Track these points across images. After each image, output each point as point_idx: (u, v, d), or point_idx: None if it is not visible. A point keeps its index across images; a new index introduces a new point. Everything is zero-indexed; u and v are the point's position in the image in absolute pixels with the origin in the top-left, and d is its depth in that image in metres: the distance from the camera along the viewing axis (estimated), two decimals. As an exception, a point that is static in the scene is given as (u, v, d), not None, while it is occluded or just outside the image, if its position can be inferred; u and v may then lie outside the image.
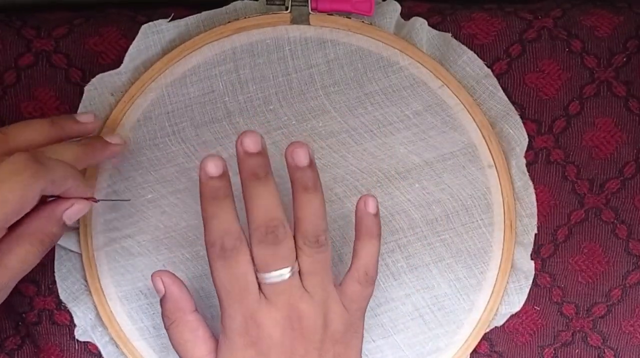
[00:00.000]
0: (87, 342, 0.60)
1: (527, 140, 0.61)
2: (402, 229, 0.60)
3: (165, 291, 0.53)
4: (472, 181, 0.60)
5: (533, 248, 0.61)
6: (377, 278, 0.60)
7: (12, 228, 0.50)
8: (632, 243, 0.62)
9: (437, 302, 0.60)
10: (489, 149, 0.60)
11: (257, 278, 0.50)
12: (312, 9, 0.59)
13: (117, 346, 0.60)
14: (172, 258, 0.59)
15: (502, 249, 0.60)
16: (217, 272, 0.50)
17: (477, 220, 0.60)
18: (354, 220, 0.60)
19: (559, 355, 0.63)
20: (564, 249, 0.62)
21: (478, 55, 0.61)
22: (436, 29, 0.61)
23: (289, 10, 0.59)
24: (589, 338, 0.63)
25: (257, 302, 0.50)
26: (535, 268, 0.61)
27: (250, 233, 0.50)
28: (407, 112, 0.60)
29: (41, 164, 0.50)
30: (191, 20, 0.60)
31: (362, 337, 0.54)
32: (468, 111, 0.60)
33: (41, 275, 0.60)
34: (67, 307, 0.60)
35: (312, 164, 0.51)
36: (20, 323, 0.60)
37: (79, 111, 0.59)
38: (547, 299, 0.62)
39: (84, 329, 0.60)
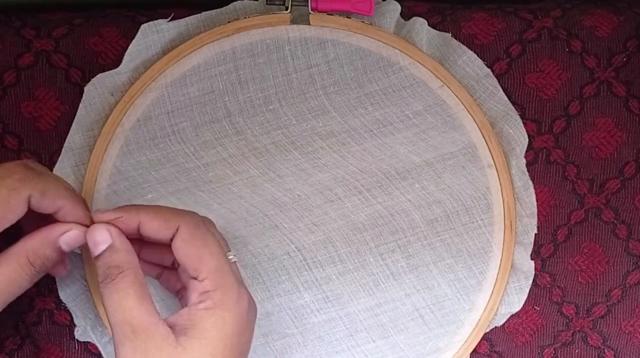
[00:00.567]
0: (87, 342, 0.60)
1: (527, 140, 0.61)
2: (402, 229, 0.60)
3: (114, 241, 0.50)
4: (472, 181, 0.60)
5: (533, 248, 0.61)
6: (377, 278, 0.60)
7: (5, 247, 0.50)
8: (632, 243, 0.62)
9: (437, 302, 0.60)
10: (489, 149, 0.60)
11: None
12: (312, 9, 0.59)
13: (117, 346, 0.60)
14: (172, 258, 0.59)
15: (502, 249, 0.60)
16: None
17: (477, 220, 0.60)
18: (354, 220, 0.60)
19: (559, 355, 0.63)
20: (564, 249, 0.62)
21: (478, 55, 0.61)
22: (436, 29, 0.61)
23: (289, 10, 0.59)
24: (589, 338, 0.63)
25: None
26: (535, 268, 0.61)
27: None
28: (407, 112, 0.60)
29: (33, 171, 0.50)
30: (191, 20, 0.60)
31: None
32: (468, 111, 0.60)
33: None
34: (67, 307, 0.60)
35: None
36: (20, 323, 0.60)
37: (78, 111, 0.59)
38: (547, 299, 0.62)
39: (84, 329, 0.60)
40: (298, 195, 0.60)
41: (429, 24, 0.60)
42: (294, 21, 0.59)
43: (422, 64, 0.60)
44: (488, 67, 0.61)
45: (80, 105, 0.59)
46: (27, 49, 0.60)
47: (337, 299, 0.60)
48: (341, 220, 0.60)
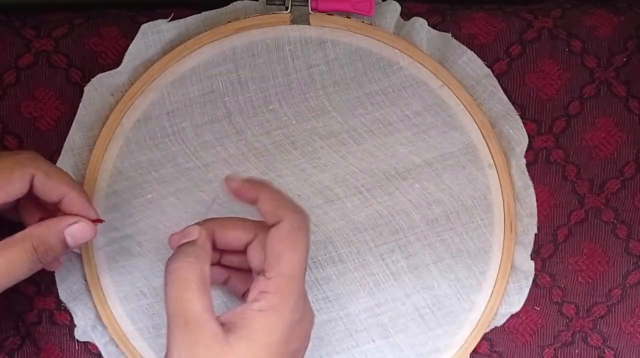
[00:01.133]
0: (87, 342, 0.60)
1: (527, 140, 0.61)
2: (402, 229, 0.60)
3: (198, 238, 0.51)
4: (472, 181, 0.60)
5: (533, 248, 0.61)
6: (377, 278, 0.60)
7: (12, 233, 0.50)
8: (632, 243, 0.62)
9: (437, 302, 0.60)
10: (489, 148, 0.60)
11: None
12: (312, 9, 0.59)
13: (117, 346, 0.60)
14: (172, 259, 0.59)
15: (502, 249, 0.60)
16: None
17: (477, 220, 0.60)
18: (354, 220, 0.60)
19: (559, 355, 0.63)
20: (564, 249, 0.62)
21: (478, 55, 0.61)
22: (436, 29, 0.61)
23: (289, 10, 0.59)
24: (589, 339, 0.63)
25: None
26: (535, 268, 0.61)
27: None
28: (407, 112, 0.60)
29: (40, 156, 0.50)
30: (191, 20, 0.60)
31: None
32: (468, 111, 0.60)
33: (41, 275, 0.60)
34: (67, 307, 0.60)
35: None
36: (20, 323, 0.60)
37: (78, 111, 0.59)
38: (547, 299, 0.62)
39: (84, 329, 0.59)
40: (298, 195, 0.60)
41: (429, 24, 0.60)
42: (294, 21, 0.59)
43: (422, 64, 0.60)
44: (488, 67, 0.61)
45: (80, 105, 0.59)
46: (27, 49, 0.60)
47: (337, 299, 0.60)
48: (341, 220, 0.60)
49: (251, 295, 0.50)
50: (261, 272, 0.50)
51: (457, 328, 0.60)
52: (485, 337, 0.62)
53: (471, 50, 0.61)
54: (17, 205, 0.53)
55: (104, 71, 0.59)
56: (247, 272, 0.55)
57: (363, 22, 0.59)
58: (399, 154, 0.60)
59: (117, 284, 0.59)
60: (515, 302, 0.61)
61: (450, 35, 0.61)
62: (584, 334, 0.63)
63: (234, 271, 0.57)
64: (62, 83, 0.60)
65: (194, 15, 0.60)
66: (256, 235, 0.52)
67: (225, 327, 0.49)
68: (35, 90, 0.60)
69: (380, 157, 0.60)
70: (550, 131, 0.62)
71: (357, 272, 0.60)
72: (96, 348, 0.60)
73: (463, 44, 0.61)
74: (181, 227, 0.59)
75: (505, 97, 0.61)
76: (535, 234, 0.61)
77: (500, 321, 0.61)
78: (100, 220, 0.53)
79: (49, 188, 0.50)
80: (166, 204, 0.59)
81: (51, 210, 0.53)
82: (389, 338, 0.60)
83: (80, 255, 0.59)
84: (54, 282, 0.60)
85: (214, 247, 0.53)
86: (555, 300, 0.62)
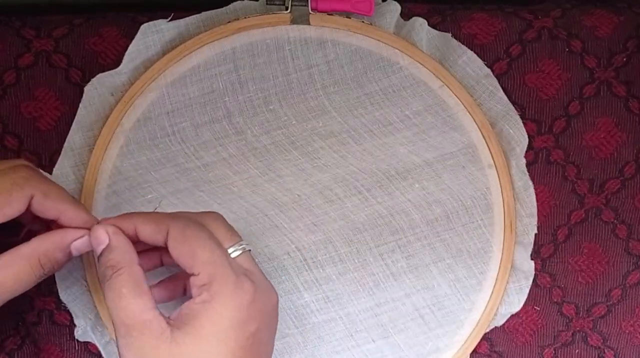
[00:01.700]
0: (87, 342, 0.60)
1: (527, 140, 0.61)
2: (402, 229, 0.60)
3: (110, 241, 0.50)
4: (472, 181, 0.60)
5: (533, 248, 0.61)
6: (377, 278, 0.60)
7: (17, 246, 0.50)
8: (632, 243, 0.62)
9: (437, 302, 0.60)
10: (489, 148, 0.60)
11: None
12: (312, 9, 0.59)
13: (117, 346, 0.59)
14: (172, 259, 0.59)
15: (502, 249, 0.60)
16: None
17: (477, 220, 0.60)
18: (354, 220, 0.60)
19: (559, 355, 0.63)
20: (564, 249, 0.62)
21: (478, 55, 0.61)
22: (436, 29, 0.61)
23: (289, 10, 0.59)
24: (589, 339, 0.63)
25: None
26: (535, 268, 0.61)
27: None
28: (407, 112, 0.60)
29: (37, 172, 0.50)
30: (191, 20, 0.60)
31: None
32: (468, 111, 0.60)
33: (41, 275, 0.60)
34: (67, 307, 0.60)
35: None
36: (20, 323, 0.60)
37: (78, 111, 0.59)
38: (547, 299, 0.62)
39: (84, 329, 0.59)
40: (298, 195, 0.60)
41: (429, 24, 0.60)
42: (294, 21, 0.59)
43: (422, 64, 0.60)
44: (488, 67, 0.61)
45: (80, 105, 0.59)
46: (27, 49, 0.60)
47: (337, 299, 0.60)
48: (341, 220, 0.60)
49: (192, 293, 0.49)
50: (189, 276, 0.50)
51: (457, 328, 0.60)
52: (485, 337, 0.62)
53: (471, 50, 0.61)
54: None
55: (104, 71, 0.59)
56: None
57: (363, 22, 0.59)
58: (399, 154, 0.60)
59: (117, 284, 0.59)
60: (515, 302, 0.61)
61: (450, 35, 0.61)
62: (584, 334, 0.63)
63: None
64: (62, 83, 0.60)
65: (194, 15, 0.60)
66: (168, 229, 0.50)
67: (174, 326, 0.48)
68: (35, 90, 0.60)
69: (380, 157, 0.60)
70: (550, 131, 0.62)
71: (357, 272, 0.60)
72: (96, 348, 0.60)
73: (463, 44, 0.61)
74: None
75: (505, 97, 0.61)
76: (535, 234, 0.61)
77: (500, 321, 0.61)
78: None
79: (47, 207, 0.50)
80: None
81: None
82: (389, 338, 0.60)
83: (80, 255, 0.59)
84: (54, 282, 0.60)
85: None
86: (555, 300, 0.62)
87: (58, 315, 0.60)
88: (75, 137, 0.59)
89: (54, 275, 0.59)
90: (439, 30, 0.61)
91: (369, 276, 0.60)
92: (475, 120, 0.60)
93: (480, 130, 0.60)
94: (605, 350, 0.63)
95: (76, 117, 0.59)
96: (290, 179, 0.60)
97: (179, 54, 0.59)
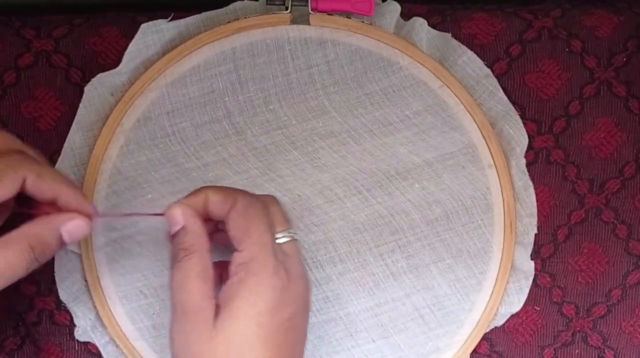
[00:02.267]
0: (87, 342, 0.60)
1: (527, 140, 0.61)
2: (402, 229, 0.60)
3: (186, 223, 0.50)
4: (472, 181, 0.60)
5: (533, 248, 0.61)
6: (377, 278, 0.60)
7: (6, 232, 0.50)
8: (632, 243, 0.62)
9: (437, 302, 0.60)
10: (489, 148, 0.60)
11: None
12: (312, 9, 0.59)
13: (117, 346, 0.60)
14: (172, 259, 0.59)
15: (502, 249, 0.60)
16: None
17: (477, 220, 0.60)
18: (354, 220, 0.60)
19: (559, 355, 0.63)
20: (564, 249, 0.62)
21: (478, 55, 0.61)
22: (436, 29, 0.61)
23: (289, 10, 0.59)
24: (589, 338, 0.63)
25: None
26: (535, 268, 0.61)
27: None
28: (407, 112, 0.60)
29: (31, 157, 0.51)
30: (191, 20, 0.60)
31: None
32: (468, 111, 0.60)
33: (41, 275, 0.60)
34: (67, 307, 0.60)
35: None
36: (20, 323, 0.60)
37: (78, 111, 0.59)
38: (547, 299, 0.62)
39: (84, 329, 0.59)
40: (298, 195, 0.60)
41: (429, 24, 0.60)
42: (294, 21, 0.59)
43: (422, 64, 0.60)
44: (488, 67, 0.61)
45: (80, 105, 0.59)
46: (27, 49, 0.60)
47: (337, 299, 0.60)
48: (341, 220, 0.60)
49: (231, 272, 0.49)
50: (234, 251, 0.50)
51: (457, 328, 0.60)
52: (485, 337, 0.62)
53: (471, 50, 0.61)
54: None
55: (104, 71, 0.59)
56: None
57: (363, 22, 0.59)
58: (399, 154, 0.60)
59: (117, 284, 0.59)
60: (515, 302, 0.61)
61: (450, 35, 0.61)
62: (584, 334, 0.63)
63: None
64: (62, 83, 0.60)
65: (194, 15, 0.60)
66: (235, 201, 0.50)
67: (217, 310, 0.49)
68: (35, 90, 0.60)
69: (380, 157, 0.60)
70: (550, 131, 0.62)
71: (357, 272, 0.60)
72: (96, 348, 0.60)
73: (463, 44, 0.61)
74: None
75: (505, 97, 0.61)
76: (535, 234, 0.61)
77: (500, 321, 0.61)
78: (95, 215, 0.52)
79: (42, 189, 0.50)
80: (166, 204, 0.59)
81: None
82: (389, 338, 0.60)
83: (80, 255, 0.59)
84: (54, 282, 0.60)
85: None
86: (555, 300, 0.62)
87: (58, 315, 0.60)
88: (75, 137, 0.59)
89: (54, 275, 0.59)
90: (439, 30, 0.61)
91: (369, 276, 0.60)
92: (475, 120, 0.60)
93: (480, 130, 0.60)
94: (605, 350, 0.63)
95: (76, 117, 0.59)
96: (290, 179, 0.60)
97: (179, 54, 0.59)
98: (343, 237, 0.60)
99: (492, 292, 0.60)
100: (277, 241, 0.51)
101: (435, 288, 0.60)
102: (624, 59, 0.62)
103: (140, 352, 0.60)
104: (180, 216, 0.50)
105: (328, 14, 0.59)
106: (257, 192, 0.59)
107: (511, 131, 0.60)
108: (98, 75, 0.59)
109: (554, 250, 0.62)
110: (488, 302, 0.60)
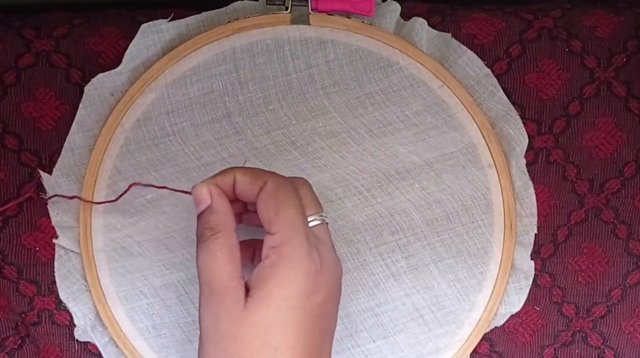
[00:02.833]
0: (87, 342, 0.60)
1: (527, 140, 0.61)
2: (402, 229, 0.60)
3: (213, 202, 0.50)
4: (472, 181, 0.60)
5: (533, 248, 0.61)
6: (377, 278, 0.60)
7: None
8: (632, 243, 0.62)
9: (437, 302, 0.60)
10: (489, 149, 0.60)
11: None
12: (312, 9, 0.59)
13: (117, 346, 0.60)
14: (172, 258, 0.59)
15: (502, 249, 0.60)
16: None
17: (477, 220, 0.60)
18: (354, 220, 0.60)
19: (559, 355, 0.63)
20: (564, 249, 0.62)
21: (478, 55, 0.61)
22: (436, 29, 0.61)
23: (289, 11, 0.59)
24: (589, 339, 0.63)
25: None
26: (535, 268, 0.61)
27: None
28: (407, 112, 0.60)
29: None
30: (191, 20, 0.60)
31: None
32: (468, 111, 0.60)
33: (41, 275, 0.60)
34: (67, 307, 0.60)
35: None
36: (20, 323, 0.60)
37: (78, 111, 0.59)
38: (547, 299, 0.62)
39: (84, 329, 0.60)
40: (298, 195, 0.60)
41: (429, 24, 0.60)
42: (294, 21, 0.59)
43: (422, 64, 0.60)
44: (488, 67, 0.61)
45: (80, 105, 0.59)
46: (27, 49, 0.60)
47: (337, 299, 0.60)
48: (341, 220, 0.60)
49: (262, 255, 0.49)
50: (266, 234, 0.49)
51: (457, 328, 0.61)
52: (485, 337, 0.62)
53: (471, 50, 0.61)
54: None
55: (104, 71, 0.59)
56: None
57: (363, 22, 0.59)
58: (399, 154, 0.60)
59: (117, 284, 0.59)
60: (515, 302, 0.61)
61: (450, 35, 0.61)
62: (584, 334, 0.63)
63: (258, 243, 0.55)
64: (62, 83, 0.60)
65: (194, 15, 0.60)
66: (265, 183, 0.50)
67: (248, 291, 0.48)
68: (35, 90, 0.60)
69: (380, 157, 0.60)
70: (550, 131, 0.62)
71: (357, 272, 0.60)
72: (96, 348, 0.60)
73: (463, 44, 0.61)
74: (181, 227, 0.59)
75: (505, 97, 0.61)
76: (535, 234, 0.61)
77: (500, 321, 0.61)
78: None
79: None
80: (166, 204, 0.59)
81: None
82: (388, 338, 0.60)
83: (80, 255, 0.59)
84: (54, 282, 0.60)
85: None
86: (555, 300, 0.62)
87: (58, 315, 0.60)
88: (75, 137, 0.59)
89: (54, 275, 0.59)
90: (439, 30, 0.61)
91: (369, 276, 0.60)
92: (475, 120, 0.60)
93: (480, 130, 0.60)
94: (605, 350, 0.63)
95: (76, 117, 0.59)
96: (290, 179, 0.60)
97: (179, 54, 0.59)
98: (343, 237, 0.60)
99: (492, 292, 0.60)
100: (309, 224, 0.50)
101: (435, 288, 0.60)
102: (624, 59, 0.62)
103: (140, 352, 0.60)
104: (207, 195, 0.50)
105: (328, 14, 0.59)
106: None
107: (511, 131, 0.60)
108: (98, 75, 0.59)
109: (554, 250, 0.62)
110: (488, 302, 0.60)
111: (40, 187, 0.59)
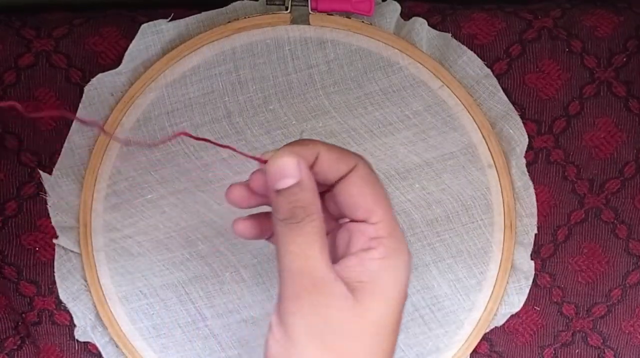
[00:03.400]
0: (87, 342, 0.60)
1: (527, 140, 0.61)
2: (402, 229, 0.60)
3: (303, 177, 0.42)
4: (472, 181, 0.60)
5: (533, 248, 0.61)
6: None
7: None
8: (632, 243, 0.62)
9: (437, 302, 0.60)
10: (489, 149, 0.60)
11: None
12: (312, 9, 0.59)
13: (117, 346, 0.60)
14: (172, 258, 0.59)
15: (502, 249, 0.60)
16: None
17: (477, 221, 0.60)
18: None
19: (559, 355, 0.63)
20: (564, 249, 0.62)
21: (478, 55, 0.61)
22: (436, 29, 0.61)
23: (289, 11, 0.59)
24: (589, 339, 0.63)
25: None
26: (535, 268, 0.61)
27: None
28: (407, 112, 0.60)
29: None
30: (191, 20, 0.60)
31: None
32: (468, 111, 0.60)
33: (41, 275, 0.60)
34: (67, 307, 0.60)
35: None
36: (20, 323, 0.61)
37: (78, 111, 0.59)
38: (547, 299, 0.62)
39: (84, 329, 0.60)
40: (298, 195, 0.60)
41: (429, 24, 0.60)
42: (294, 21, 0.59)
43: (422, 64, 0.60)
44: (488, 67, 0.61)
45: (80, 105, 0.59)
46: (27, 49, 0.60)
47: (337, 299, 0.60)
48: (341, 220, 0.60)
49: (359, 244, 0.43)
50: (357, 221, 0.44)
51: (457, 328, 0.61)
52: (485, 337, 0.62)
53: (471, 50, 0.61)
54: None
55: (104, 71, 0.59)
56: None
57: (363, 22, 0.59)
58: (399, 154, 0.60)
59: (117, 284, 0.59)
60: (515, 302, 0.61)
61: (450, 35, 0.61)
62: (584, 334, 0.63)
63: None
64: (62, 83, 0.60)
65: (194, 15, 0.60)
66: (356, 165, 0.44)
67: (348, 286, 0.42)
68: (35, 90, 0.60)
69: (380, 157, 0.60)
70: (550, 131, 0.62)
71: (357, 272, 0.60)
72: (96, 348, 0.60)
73: (463, 44, 0.61)
74: (181, 227, 0.59)
75: (505, 97, 0.61)
76: (535, 234, 0.61)
77: (500, 321, 0.61)
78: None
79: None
80: (166, 204, 0.59)
81: None
82: (389, 338, 0.60)
83: (80, 255, 0.59)
84: (54, 282, 0.60)
85: None
86: (555, 300, 0.62)
87: (58, 315, 0.61)
88: (75, 137, 0.59)
89: (54, 275, 0.59)
90: (439, 30, 0.61)
91: (369, 276, 0.60)
92: (475, 120, 0.60)
93: (480, 130, 0.60)
94: (605, 350, 0.63)
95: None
96: (290, 179, 0.60)
97: (179, 54, 0.59)
98: (343, 237, 0.60)
99: (492, 292, 0.60)
100: None
101: (435, 288, 0.60)
102: (624, 59, 0.62)
103: (140, 352, 0.60)
104: (296, 168, 0.42)
105: (328, 14, 0.59)
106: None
107: (511, 131, 0.60)
108: (98, 75, 0.59)
109: (554, 250, 0.62)
110: (488, 302, 0.60)
111: (40, 187, 0.59)
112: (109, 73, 0.59)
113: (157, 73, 0.59)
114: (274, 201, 0.43)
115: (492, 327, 0.61)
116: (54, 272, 0.60)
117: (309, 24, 0.59)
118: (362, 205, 0.43)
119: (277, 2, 0.59)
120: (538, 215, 0.61)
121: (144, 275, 0.59)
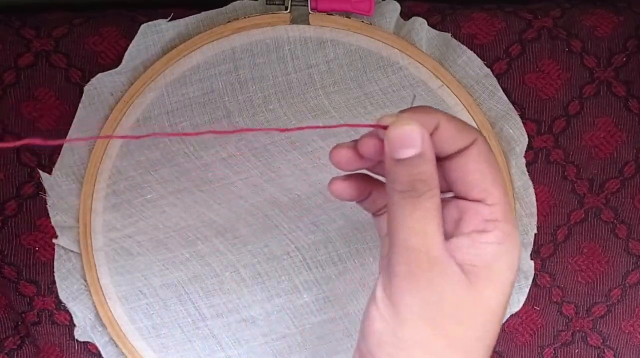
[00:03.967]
0: (87, 342, 0.60)
1: (527, 140, 0.61)
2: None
3: (425, 149, 0.40)
4: (472, 181, 0.60)
5: (533, 248, 0.61)
6: (377, 278, 0.60)
7: None
8: (632, 243, 0.62)
9: (437, 302, 0.60)
10: (489, 149, 0.60)
11: None
12: (312, 9, 0.59)
13: (117, 346, 0.60)
14: (172, 259, 0.59)
15: (502, 249, 0.60)
16: None
17: (477, 220, 0.60)
18: (354, 220, 0.60)
19: (559, 355, 0.63)
20: (564, 249, 0.62)
21: (478, 55, 0.61)
22: (436, 29, 0.61)
23: (289, 11, 0.59)
24: (589, 339, 0.63)
25: None
26: (535, 268, 0.61)
27: None
28: (407, 112, 0.60)
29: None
30: (191, 20, 0.60)
31: None
32: (468, 111, 0.60)
33: (41, 275, 0.60)
34: (67, 307, 0.60)
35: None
36: (20, 323, 0.61)
37: (78, 111, 0.59)
38: (547, 299, 0.62)
39: (84, 329, 0.60)
40: (298, 195, 0.60)
41: (429, 24, 0.60)
42: (294, 21, 0.59)
43: (422, 64, 0.60)
44: (488, 67, 0.61)
45: (80, 105, 0.59)
46: (27, 49, 0.60)
47: (337, 299, 0.60)
48: (341, 220, 0.60)
49: (473, 225, 0.41)
50: (470, 200, 0.42)
51: (457, 328, 0.60)
52: (485, 337, 0.62)
53: (471, 50, 0.61)
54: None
55: (104, 71, 0.59)
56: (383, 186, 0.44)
57: (363, 22, 0.59)
58: (399, 154, 0.60)
59: (117, 284, 0.59)
60: (515, 302, 0.61)
61: (450, 35, 0.61)
62: (584, 334, 0.63)
63: (377, 184, 0.45)
64: (62, 83, 0.60)
65: (194, 15, 0.60)
66: (476, 141, 0.41)
67: (461, 268, 0.40)
68: (35, 90, 0.60)
69: (380, 157, 0.60)
70: (550, 131, 0.62)
71: (357, 272, 0.60)
72: (96, 348, 0.60)
73: (463, 44, 0.61)
74: (181, 227, 0.59)
75: (505, 97, 0.61)
76: (535, 234, 0.61)
77: (500, 321, 0.61)
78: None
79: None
80: (166, 204, 0.59)
81: None
82: (389, 338, 0.60)
83: (80, 255, 0.59)
84: (54, 282, 0.60)
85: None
86: (555, 300, 0.62)
87: (58, 315, 0.61)
88: (75, 137, 0.59)
89: (54, 275, 0.59)
90: (439, 30, 0.61)
91: (369, 276, 0.60)
92: (475, 120, 0.60)
93: (480, 130, 0.60)
94: (605, 350, 0.63)
95: (76, 117, 0.59)
96: (290, 179, 0.60)
97: (179, 54, 0.59)
98: (343, 237, 0.60)
99: (492, 292, 0.60)
100: None
101: (435, 288, 0.60)
102: (624, 59, 0.62)
103: (140, 352, 0.60)
104: (420, 138, 0.39)
105: (328, 14, 0.59)
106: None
107: (511, 131, 0.60)
108: (98, 75, 0.59)
109: (554, 250, 0.62)
110: (488, 302, 0.60)
111: (40, 187, 0.59)
112: (109, 73, 0.59)
113: (157, 73, 0.59)
114: (393, 171, 0.40)
115: (492, 327, 0.61)
116: (54, 272, 0.60)
117: (309, 24, 0.59)
118: (480, 184, 0.41)
119: (277, 2, 0.59)
120: (538, 215, 0.61)
121: (144, 275, 0.59)
